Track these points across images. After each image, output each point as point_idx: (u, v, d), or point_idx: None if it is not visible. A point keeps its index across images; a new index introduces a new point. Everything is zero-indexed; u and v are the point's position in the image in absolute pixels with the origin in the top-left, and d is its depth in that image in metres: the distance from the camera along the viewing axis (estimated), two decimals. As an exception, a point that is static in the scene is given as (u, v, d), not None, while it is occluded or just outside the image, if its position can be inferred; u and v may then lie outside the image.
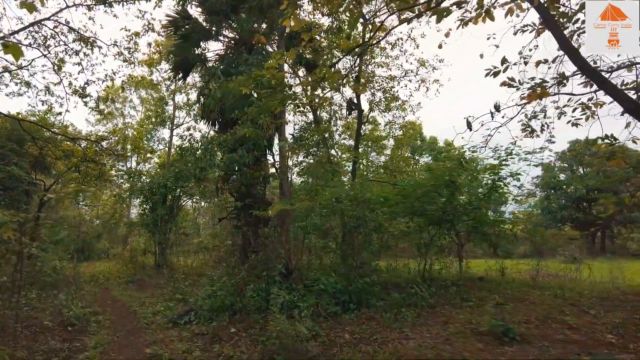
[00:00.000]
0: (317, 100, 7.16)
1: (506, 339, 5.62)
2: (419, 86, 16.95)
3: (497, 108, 6.95)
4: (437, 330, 6.33)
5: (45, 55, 12.35)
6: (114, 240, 31.94)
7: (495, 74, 6.40)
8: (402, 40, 16.33)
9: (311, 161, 11.52)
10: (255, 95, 7.93)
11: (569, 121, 7.34)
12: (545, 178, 40.03)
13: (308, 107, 14.01)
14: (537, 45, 8.08)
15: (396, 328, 6.48)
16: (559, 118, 7.94)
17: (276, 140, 9.48)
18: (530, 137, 8.06)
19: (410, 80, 16.49)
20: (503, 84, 6.94)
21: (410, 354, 5.22)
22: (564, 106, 7.67)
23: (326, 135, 11.49)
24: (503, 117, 7.97)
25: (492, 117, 6.87)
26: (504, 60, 6.27)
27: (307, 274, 10.14)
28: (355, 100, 12.90)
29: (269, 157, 11.72)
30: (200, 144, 7.65)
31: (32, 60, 11.86)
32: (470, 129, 7.02)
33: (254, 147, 8.18)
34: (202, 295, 8.88)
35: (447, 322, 6.78)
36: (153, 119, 23.20)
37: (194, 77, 24.82)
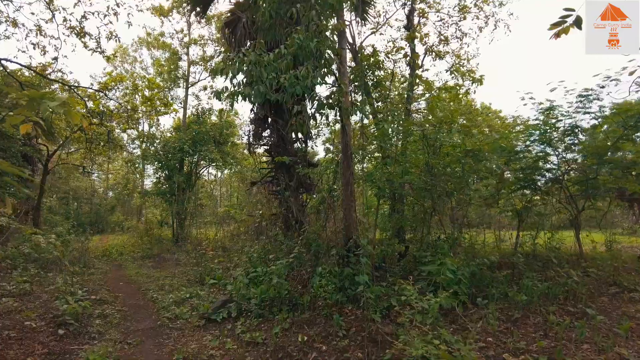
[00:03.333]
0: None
1: None
2: (485, 25, 13.81)
3: None
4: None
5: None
6: (128, 212, 30.05)
7: None
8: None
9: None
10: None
11: None
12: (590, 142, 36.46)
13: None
14: None
15: (578, 339, 3.92)
16: None
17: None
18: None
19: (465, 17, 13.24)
20: None
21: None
22: None
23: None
24: None
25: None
26: None
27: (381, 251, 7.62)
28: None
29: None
30: (241, 57, 4.99)
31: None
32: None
33: (320, 65, 5.49)
34: (243, 280, 6.47)
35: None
36: (165, 75, 20.46)
37: (210, 30, 21.98)
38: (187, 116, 20.57)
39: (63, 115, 12.36)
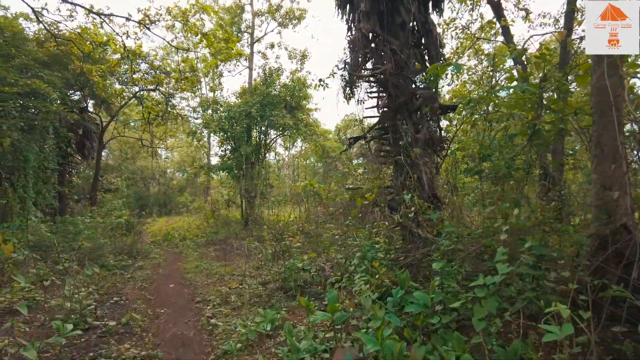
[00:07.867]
0: None
1: None
2: None
3: None
4: None
5: None
6: (196, 192, 28.35)
7: None
8: None
9: None
10: None
11: None
12: None
13: None
14: None
15: None
16: None
17: None
18: None
19: None
20: None
21: None
22: None
23: None
24: None
25: None
26: None
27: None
28: None
29: None
30: None
31: None
32: None
33: None
34: (395, 321, 2.89)
35: None
36: (227, 29, 17.33)
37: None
38: (253, 78, 17.49)
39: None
